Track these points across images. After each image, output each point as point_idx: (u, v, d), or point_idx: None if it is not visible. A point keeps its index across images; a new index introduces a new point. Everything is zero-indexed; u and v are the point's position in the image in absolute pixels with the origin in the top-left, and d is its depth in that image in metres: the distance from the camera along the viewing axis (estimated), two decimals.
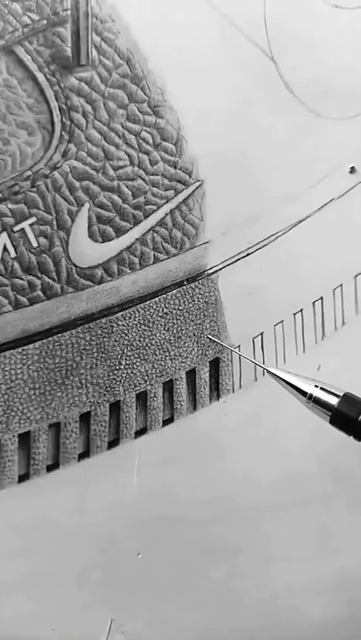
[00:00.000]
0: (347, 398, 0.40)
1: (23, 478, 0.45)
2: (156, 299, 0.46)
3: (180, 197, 0.46)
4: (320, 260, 0.47)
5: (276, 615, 0.48)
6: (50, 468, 0.45)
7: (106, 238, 0.45)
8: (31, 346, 0.44)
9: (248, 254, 0.47)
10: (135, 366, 0.45)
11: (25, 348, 0.44)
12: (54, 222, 0.44)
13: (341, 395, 0.41)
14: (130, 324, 0.45)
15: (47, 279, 0.44)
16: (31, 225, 0.44)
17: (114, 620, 0.46)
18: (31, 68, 0.44)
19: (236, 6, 0.46)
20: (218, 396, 0.47)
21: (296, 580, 0.48)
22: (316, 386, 0.41)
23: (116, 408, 0.46)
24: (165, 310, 0.46)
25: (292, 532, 0.48)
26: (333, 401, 0.41)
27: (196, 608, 0.47)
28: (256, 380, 0.47)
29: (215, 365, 0.47)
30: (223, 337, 0.47)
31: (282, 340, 0.47)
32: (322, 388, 0.41)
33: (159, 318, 0.46)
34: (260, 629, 0.48)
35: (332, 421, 0.41)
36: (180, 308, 0.46)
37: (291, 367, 0.45)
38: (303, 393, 0.41)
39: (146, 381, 0.46)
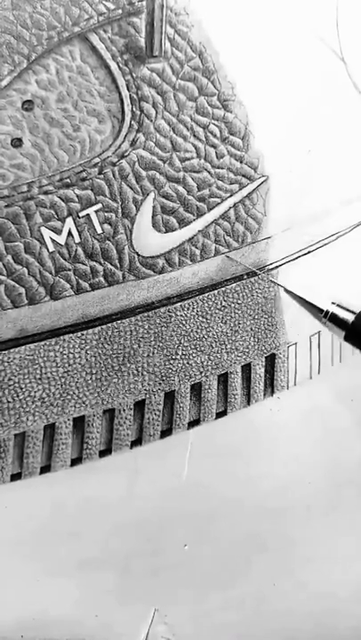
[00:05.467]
0: None
1: (75, 462, 0.45)
2: (215, 291, 0.46)
3: (245, 192, 0.46)
4: None
5: (317, 616, 0.48)
6: (102, 454, 0.45)
7: (169, 229, 0.45)
8: (90, 331, 0.44)
9: (309, 252, 0.47)
10: (191, 357, 0.46)
11: (84, 332, 0.44)
12: (119, 210, 0.44)
13: (358, 312, 0.40)
14: (188, 315, 0.46)
15: (110, 266, 0.44)
16: (96, 211, 0.44)
17: (157, 611, 0.46)
18: (105, 56, 0.44)
19: (309, 7, 0.47)
20: (272, 392, 0.47)
21: (340, 582, 0.48)
22: (333, 303, 0.40)
23: (170, 398, 0.46)
24: (224, 303, 0.46)
25: (340, 534, 0.48)
26: (350, 318, 0.40)
27: (240, 604, 0.47)
28: (311, 377, 0.47)
29: (271, 361, 0.47)
30: (280, 333, 0.47)
31: (338, 339, 0.47)
32: (338, 305, 0.40)
33: (217, 311, 0.46)
34: (301, 630, 0.48)
35: (347, 337, 0.40)
36: (239, 302, 0.46)
37: (349, 366, 0.45)
38: (320, 310, 0.41)
39: (201, 373, 0.46)
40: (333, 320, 0.40)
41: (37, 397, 0.44)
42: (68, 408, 0.44)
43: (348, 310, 0.40)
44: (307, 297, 0.41)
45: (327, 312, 0.40)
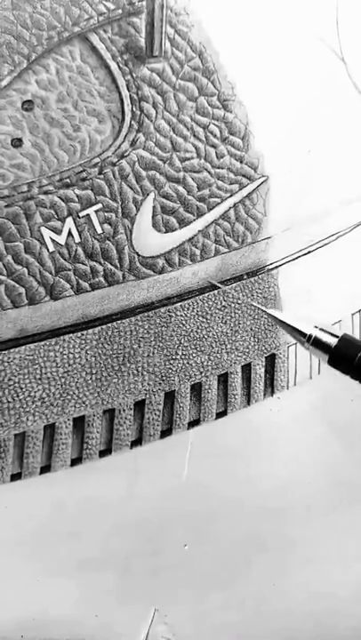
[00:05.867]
0: (345, 339, 0.40)
1: (75, 462, 0.45)
2: (215, 291, 0.46)
3: (245, 192, 0.46)
4: None
5: (317, 616, 0.48)
6: (102, 454, 0.45)
7: (169, 229, 0.45)
8: (90, 331, 0.44)
9: (309, 252, 0.47)
10: (191, 357, 0.46)
11: (84, 332, 0.44)
12: (119, 210, 0.44)
13: (340, 336, 0.40)
14: (188, 315, 0.46)
15: (110, 266, 0.44)
16: (96, 211, 0.44)
17: (157, 611, 0.47)
18: (105, 56, 0.44)
19: (309, 7, 0.47)
20: (272, 392, 0.47)
21: (340, 582, 0.48)
22: (316, 327, 0.40)
23: (170, 398, 0.46)
24: (224, 303, 0.46)
25: (340, 534, 0.48)
26: (332, 342, 0.40)
27: (240, 604, 0.47)
28: (311, 377, 0.47)
29: (271, 361, 0.47)
30: (280, 333, 0.47)
31: None
32: (321, 329, 0.40)
33: (217, 311, 0.46)
34: (301, 630, 0.48)
35: (331, 361, 0.40)
36: (239, 301, 0.46)
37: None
38: (303, 334, 0.40)
39: (201, 373, 0.46)
40: (316, 344, 0.40)
41: (37, 397, 0.44)
42: (68, 408, 0.44)
43: (331, 334, 0.40)
44: (289, 321, 0.40)
45: (310, 336, 0.40)
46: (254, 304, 0.44)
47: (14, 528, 0.45)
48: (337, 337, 0.40)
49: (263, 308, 0.42)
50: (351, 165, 0.47)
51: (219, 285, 0.45)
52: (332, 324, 0.47)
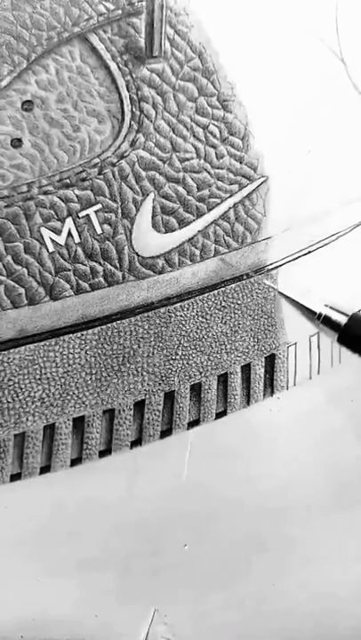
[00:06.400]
0: (355, 317, 0.40)
1: (75, 462, 0.45)
2: (215, 291, 0.46)
3: (245, 192, 0.46)
4: None
5: (317, 616, 0.48)
6: (102, 454, 0.45)
7: (169, 229, 0.45)
8: (90, 331, 0.44)
9: (309, 252, 0.47)
10: (191, 357, 0.46)
11: (84, 332, 0.44)
12: (119, 210, 0.44)
13: (350, 314, 0.40)
14: (188, 315, 0.46)
15: (109, 266, 0.44)
16: (96, 212, 0.44)
17: (157, 611, 0.47)
18: (104, 56, 0.44)
19: (308, 8, 0.47)
20: (272, 392, 0.47)
21: (340, 582, 0.48)
22: (326, 305, 0.41)
23: (170, 398, 0.46)
24: (223, 304, 0.46)
25: (340, 534, 0.48)
26: (343, 320, 0.40)
27: (240, 604, 0.47)
28: (311, 378, 0.47)
29: (271, 361, 0.47)
30: (280, 333, 0.47)
31: None
32: (331, 307, 0.41)
33: (217, 311, 0.46)
34: (301, 630, 0.48)
35: (340, 340, 0.40)
36: (239, 302, 0.46)
37: (348, 367, 0.45)
38: (313, 313, 0.41)
39: (201, 373, 0.46)
40: (326, 322, 0.40)
41: (37, 397, 0.44)
42: (67, 408, 0.44)
43: (340, 312, 0.40)
44: (300, 299, 0.41)
45: (320, 314, 0.40)
46: (266, 281, 0.44)
47: (14, 528, 0.45)
48: (347, 315, 0.40)
49: (274, 286, 0.42)
50: (351, 165, 0.47)
51: (231, 263, 0.44)
52: None
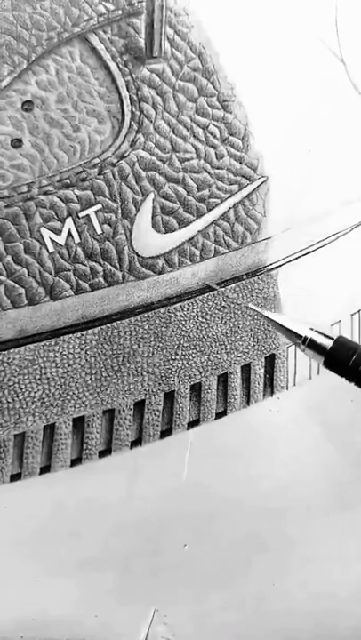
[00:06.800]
0: (340, 341, 0.40)
1: (75, 462, 0.45)
2: (215, 292, 0.46)
3: (245, 192, 0.46)
4: None
5: (317, 616, 0.48)
6: (102, 454, 0.45)
7: (168, 229, 0.45)
8: (90, 331, 0.44)
9: (309, 252, 0.47)
10: (191, 357, 0.46)
11: (84, 333, 0.44)
12: (119, 210, 0.44)
13: (335, 338, 0.40)
14: (188, 316, 0.46)
15: (109, 266, 0.44)
16: (96, 212, 0.44)
17: (157, 611, 0.47)
18: (104, 57, 0.44)
19: (308, 9, 0.47)
20: (272, 393, 0.47)
21: (340, 582, 0.48)
22: (311, 329, 0.40)
23: (170, 398, 0.46)
24: (224, 304, 0.46)
25: (340, 534, 0.48)
26: (328, 343, 0.40)
27: (240, 604, 0.47)
28: (310, 378, 0.47)
29: (271, 361, 0.47)
30: (280, 334, 0.47)
31: None
32: (316, 331, 0.40)
33: (217, 311, 0.46)
34: (301, 630, 0.48)
35: (326, 363, 0.40)
36: (239, 302, 0.46)
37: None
38: (298, 337, 0.41)
39: (201, 373, 0.46)
40: (312, 346, 0.40)
41: (37, 398, 0.44)
42: (67, 408, 0.44)
43: (325, 336, 0.40)
44: (284, 323, 0.40)
45: (305, 338, 0.40)
46: (251, 306, 0.44)
47: (14, 528, 0.45)
48: (332, 339, 0.40)
49: (259, 310, 0.42)
50: (351, 166, 0.47)
51: (215, 287, 0.45)
52: (332, 325, 0.47)
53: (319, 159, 0.47)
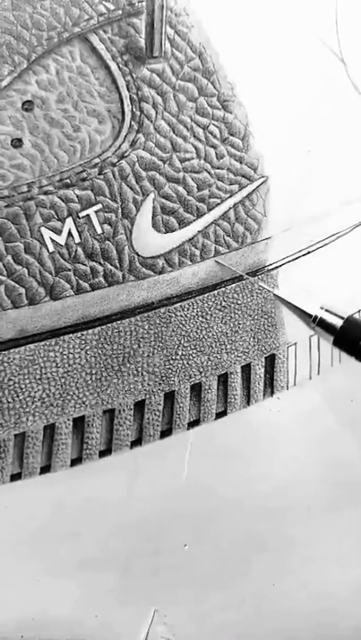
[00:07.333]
0: (350, 320, 0.40)
1: (75, 462, 0.45)
2: (215, 291, 0.46)
3: (245, 192, 0.46)
4: None
5: (317, 616, 0.48)
6: (102, 454, 0.45)
7: (169, 229, 0.45)
8: (90, 331, 0.44)
9: (309, 252, 0.47)
10: (191, 357, 0.46)
11: (84, 332, 0.44)
12: (119, 210, 0.44)
13: (346, 317, 0.40)
14: (188, 316, 0.46)
15: (109, 266, 0.44)
16: (96, 212, 0.44)
17: (157, 611, 0.47)
18: (105, 56, 0.44)
19: (308, 8, 0.47)
20: (272, 393, 0.47)
21: (340, 582, 0.48)
22: (322, 307, 0.41)
23: (170, 398, 0.46)
24: (224, 304, 0.46)
25: (340, 534, 0.48)
26: (338, 323, 0.40)
27: (240, 604, 0.47)
28: (311, 378, 0.47)
29: (271, 361, 0.47)
30: (280, 333, 0.47)
31: None
32: (327, 310, 0.40)
33: (217, 311, 0.46)
34: (301, 630, 0.48)
35: (336, 342, 0.40)
36: (239, 302, 0.46)
37: (348, 367, 0.45)
38: (309, 316, 0.41)
39: (201, 373, 0.46)
40: (322, 325, 0.40)
41: (37, 397, 0.44)
42: (68, 408, 0.44)
43: (336, 315, 0.40)
44: (295, 302, 0.41)
45: (316, 317, 0.40)
46: (261, 284, 0.44)
47: (14, 528, 0.45)
48: (343, 318, 0.40)
49: (269, 289, 0.42)
50: (351, 166, 0.47)
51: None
52: None
53: (319, 159, 0.47)
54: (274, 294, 0.42)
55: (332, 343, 0.40)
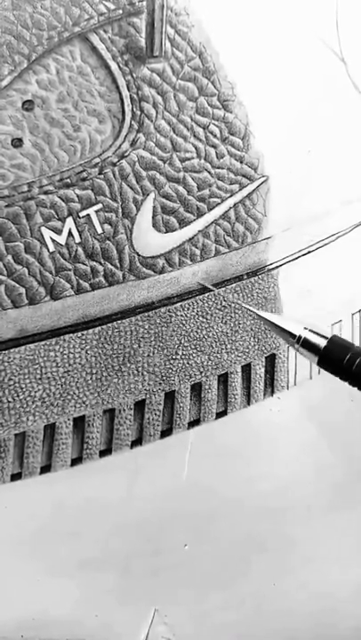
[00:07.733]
0: (334, 340, 0.40)
1: (75, 462, 0.45)
2: (216, 291, 0.46)
3: (245, 192, 0.46)
4: None
5: (317, 616, 0.48)
6: (102, 454, 0.45)
7: (169, 229, 0.45)
8: (90, 331, 0.44)
9: (309, 252, 0.47)
10: (191, 357, 0.46)
11: (84, 332, 0.44)
12: (119, 210, 0.44)
13: (329, 337, 0.40)
14: (188, 315, 0.46)
15: (110, 266, 0.44)
16: (97, 211, 0.44)
17: (157, 611, 0.47)
18: (105, 56, 0.44)
19: (308, 8, 0.47)
20: (272, 392, 0.47)
21: (340, 582, 0.48)
22: (305, 328, 0.40)
23: (170, 398, 0.46)
24: (224, 303, 0.46)
25: (340, 534, 0.48)
26: (322, 343, 0.40)
27: (240, 604, 0.47)
28: (311, 378, 0.47)
29: (271, 361, 0.47)
30: None
31: None
32: (310, 330, 0.40)
33: (217, 311, 0.46)
34: (301, 630, 0.48)
35: (320, 363, 0.40)
36: (234, 302, 0.46)
37: None
38: (292, 335, 0.40)
39: (201, 373, 0.46)
40: (306, 345, 0.40)
41: (37, 397, 0.44)
42: (68, 408, 0.44)
43: (320, 335, 0.40)
44: (278, 322, 0.40)
45: (299, 337, 0.40)
46: (245, 306, 0.44)
47: (14, 528, 0.45)
48: (326, 338, 0.40)
49: (253, 310, 0.42)
50: (351, 165, 0.47)
51: (211, 288, 0.45)
52: (332, 324, 0.47)
53: (319, 159, 0.47)
54: (258, 315, 0.41)
55: (316, 364, 0.40)
